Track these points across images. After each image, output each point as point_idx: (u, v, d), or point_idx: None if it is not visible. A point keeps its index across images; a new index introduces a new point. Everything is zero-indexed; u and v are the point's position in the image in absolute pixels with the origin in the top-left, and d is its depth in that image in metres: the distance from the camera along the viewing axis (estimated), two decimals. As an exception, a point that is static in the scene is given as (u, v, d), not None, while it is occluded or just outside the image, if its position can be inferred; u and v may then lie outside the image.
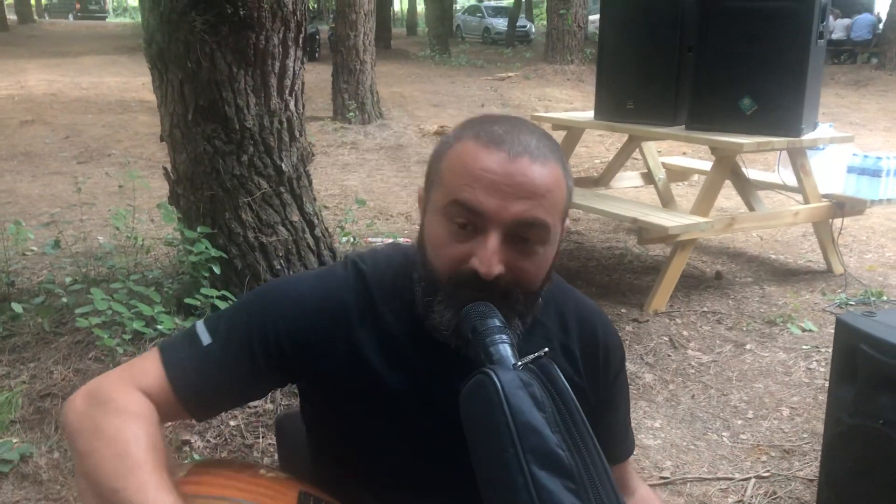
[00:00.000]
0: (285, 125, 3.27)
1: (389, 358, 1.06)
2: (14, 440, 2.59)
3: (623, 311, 3.81)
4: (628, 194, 5.10)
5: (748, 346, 3.49)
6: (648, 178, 5.10)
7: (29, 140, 8.10)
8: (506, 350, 0.91)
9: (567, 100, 12.38)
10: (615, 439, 1.25)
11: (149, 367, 1.03)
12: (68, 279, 3.38)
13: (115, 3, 57.12)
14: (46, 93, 11.34)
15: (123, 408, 0.96)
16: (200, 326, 1.07)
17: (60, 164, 7.08)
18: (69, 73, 13.78)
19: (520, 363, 0.89)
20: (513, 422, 0.84)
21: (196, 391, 1.03)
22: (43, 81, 12.45)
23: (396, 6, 51.18)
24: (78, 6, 38.68)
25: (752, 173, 4.61)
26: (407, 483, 1.09)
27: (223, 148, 3.17)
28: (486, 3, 37.02)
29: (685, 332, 3.61)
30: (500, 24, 29.57)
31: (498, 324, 0.94)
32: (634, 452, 1.33)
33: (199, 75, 3.13)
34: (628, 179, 5.19)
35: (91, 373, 2.87)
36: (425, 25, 25.88)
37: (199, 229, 3.12)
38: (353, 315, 1.06)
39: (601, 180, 4.97)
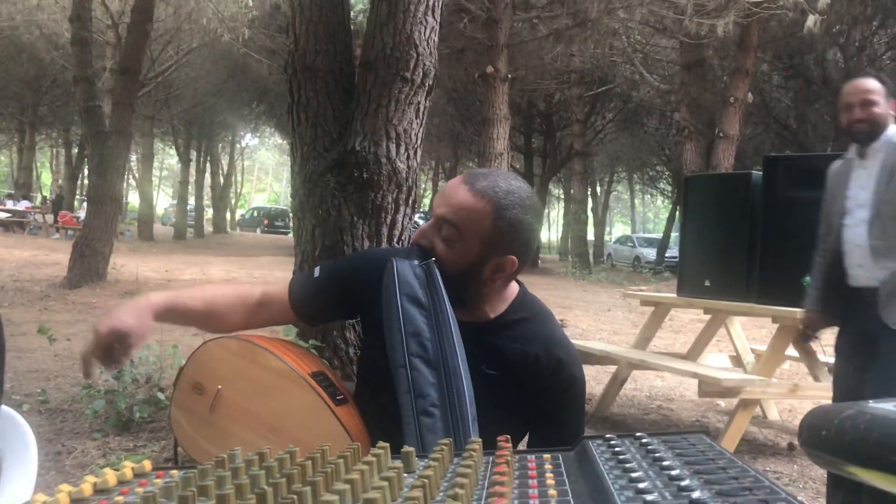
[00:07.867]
0: (391, 266, 3.99)
1: None
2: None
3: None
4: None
5: (799, 498, 3.62)
6: (737, 360, 5.37)
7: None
8: (411, 263, 1.48)
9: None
10: (563, 436, 1.64)
11: (281, 284, 1.68)
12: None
13: (298, 222, 63.49)
14: (223, 278, 12.98)
15: (242, 289, 1.68)
16: (317, 269, 1.71)
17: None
18: (246, 267, 15.68)
19: (417, 265, 1.45)
20: (398, 281, 1.39)
21: (300, 299, 1.64)
22: (222, 271, 14.25)
23: (553, 235, 53.73)
24: (266, 222, 43.56)
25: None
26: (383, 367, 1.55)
27: (338, 280, 3.92)
28: (637, 234, 38.43)
29: (741, 483, 3.79)
30: (651, 253, 30.52)
31: (415, 259, 1.49)
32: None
33: (327, 222, 3.96)
34: (717, 360, 5.46)
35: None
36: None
37: (310, 342, 3.79)
38: None
39: (688, 356, 5.28)
